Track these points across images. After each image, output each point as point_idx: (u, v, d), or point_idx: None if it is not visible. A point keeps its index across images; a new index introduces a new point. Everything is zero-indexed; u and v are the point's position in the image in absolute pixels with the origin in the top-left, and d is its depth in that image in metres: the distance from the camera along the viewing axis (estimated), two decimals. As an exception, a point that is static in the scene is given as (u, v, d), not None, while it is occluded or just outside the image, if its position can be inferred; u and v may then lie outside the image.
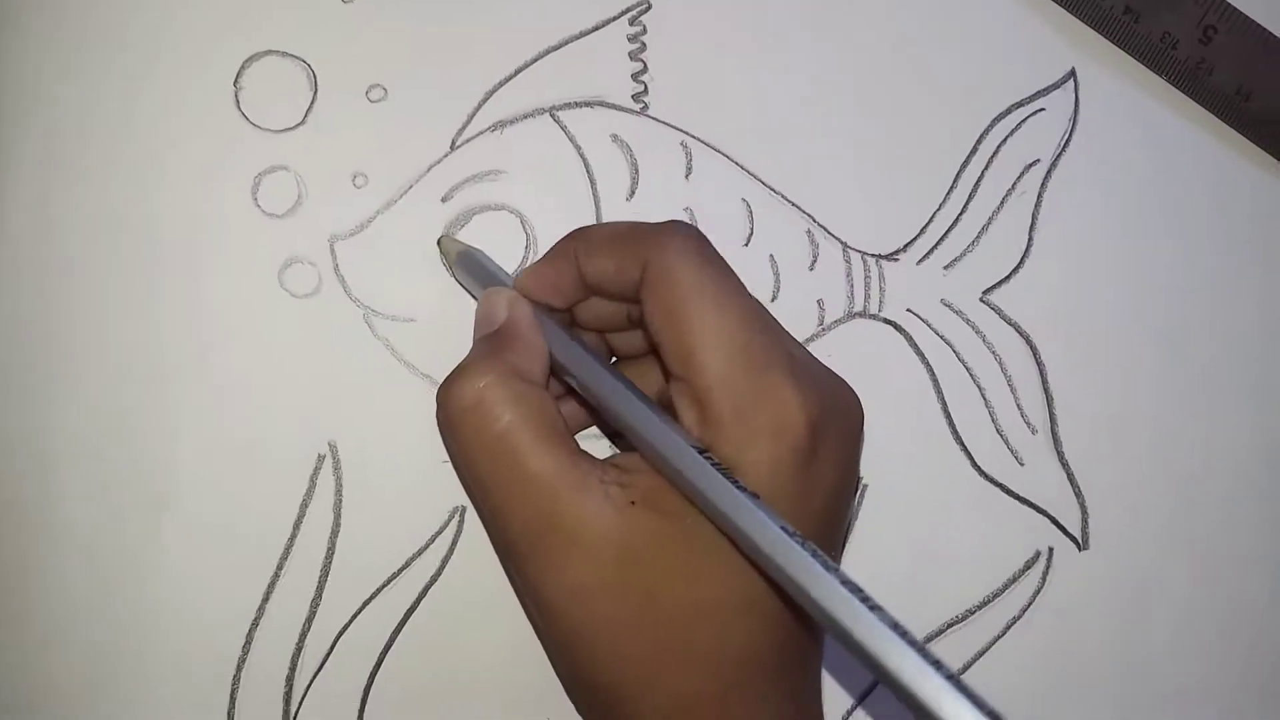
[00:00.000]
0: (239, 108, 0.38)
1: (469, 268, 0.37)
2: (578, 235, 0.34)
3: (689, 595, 0.30)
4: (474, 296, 0.37)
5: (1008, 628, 0.40)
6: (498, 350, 0.32)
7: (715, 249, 0.32)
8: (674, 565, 0.30)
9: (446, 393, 0.32)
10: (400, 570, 0.38)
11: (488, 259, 0.37)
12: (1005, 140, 0.41)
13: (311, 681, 0.37)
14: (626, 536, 0.30)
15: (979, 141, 0.41)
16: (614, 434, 0.38)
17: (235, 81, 0.38)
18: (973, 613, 0.40)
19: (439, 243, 0.38)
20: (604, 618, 0.30)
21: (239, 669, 0.37)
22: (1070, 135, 0.42)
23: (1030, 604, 0.40)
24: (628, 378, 0.32)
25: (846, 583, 0.26)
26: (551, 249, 0.35)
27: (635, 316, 0.34)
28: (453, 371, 0.32)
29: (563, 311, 0.35)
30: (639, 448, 0.31)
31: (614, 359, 0.37)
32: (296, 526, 0.37)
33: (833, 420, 0.31)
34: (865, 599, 0.26)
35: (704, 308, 0.30)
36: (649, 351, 0.36)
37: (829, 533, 0.32)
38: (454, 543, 0.38)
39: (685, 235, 0.32)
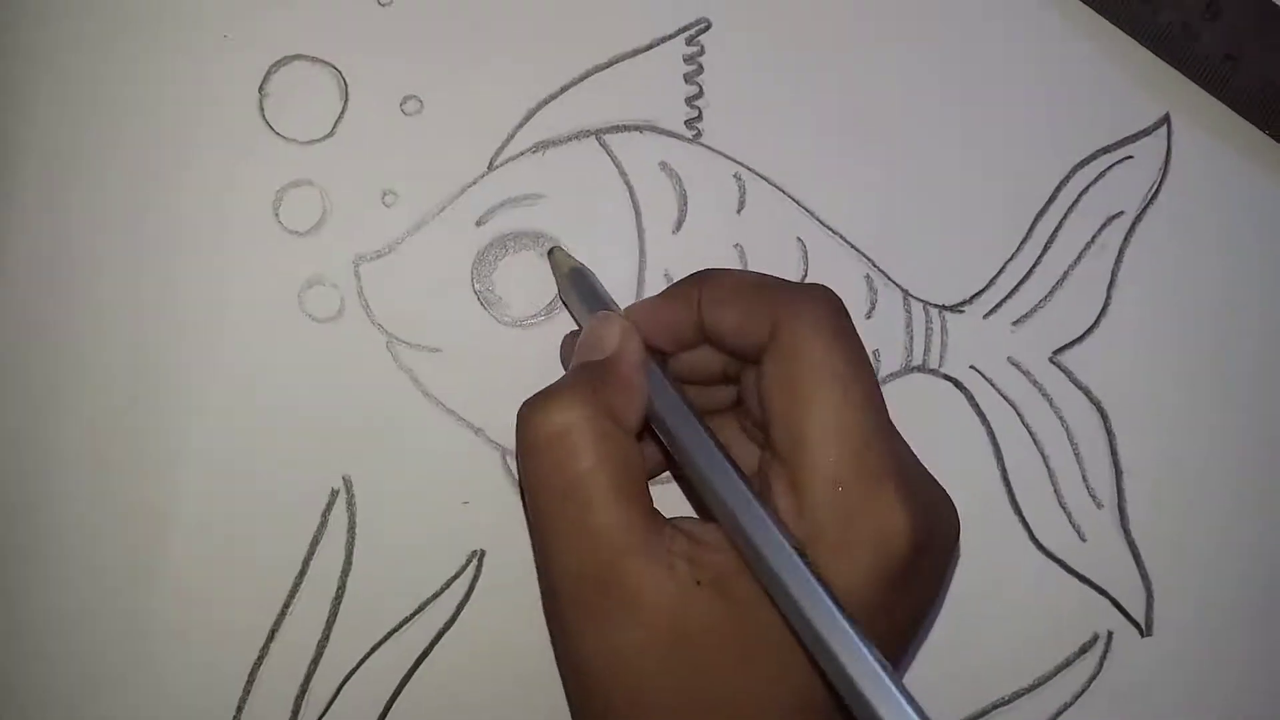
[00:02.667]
0: (263, 116, 0.38)
1: (579, 287, 0.36)
2: (705, 278, 0.33)
3: (743, 685, 0.29)
4: (575, 318, 0.36)
5: (1058, 714, 0.39)
6: (598, 383, 0.31)
7: (852, 324, 0.31)
8: (731, 652, 0.29)
9: (530, 415, 0.30)
10: (413, 614, 0.37)
11: (600, 284, 0.36)
12: (1087, 189, 0.40)
13: (315, 726, 0.36)
14: (686, 614, 0.29)
15: (1058, 189, 0.40)
16: (681, 477, 0.37)
17: (260, 88, 0.38)
18: (1021, 694, 0.39)
19: (550, 253, 0.37)
20: (648, 690, 0.29)
21: (239, 710, 0.36)
22: (1159, 187, 0.40)
23: (1084, 690, 0.39)
24: (725, 446, 0.31)
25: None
26: (672, 287, 0.33)
27: (732, 373, 0.33)
28: (542, 392, 0.31)
29: (664, 355, 0.34)
30: (724, 525, 0.30)
31: None
32: (306, 564, 0.37)
33: (934, 539, 0.30)
34: None
35: (829, 395, 0.29)
36: (723, 411, 0.35)
37: (906, 647, 0.32)
38: (471, 588, 0.37)
39: (822, 303, 0.31)
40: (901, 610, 0.30)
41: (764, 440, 0.31)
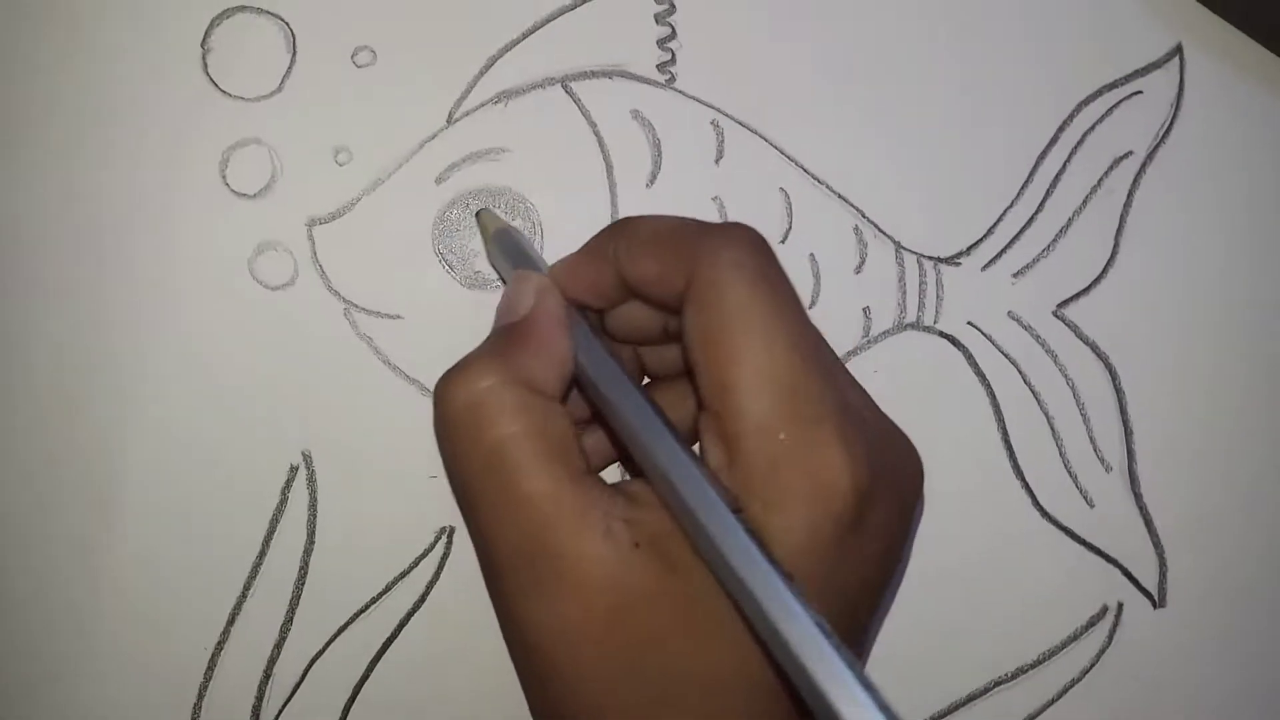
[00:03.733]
0: (206, 72, 0.37)
1: (505, 247, 0.35)
2: (620, 228, 0.32)
3: (683, 658, 0.28)
4: (505, 281, 0.36)
5: (1064, 691, 0.38)
6: (511, 348, 0.30)
7: (777, 262, 0.30)
8: (672, 623, 0.28)
9: (443, 389, 0.30)
10: (380, 594, 0.36)
11: (529, 243, 0.35)
12: (1093, 128, 0.39)
13: (280, 713, 0.36)
14: (623, 582, 0.28)
15: (1061, 129, 0.39)
16: (637, 471, 0.36)
17: (203, 42, 0.37)
18: (1025, 671, 0.38)
19: (478, 215, 0.37)
20: (587, 664, 0.29)
21: (200, 697, 0.36)
22: (1171, 125, 0.39)
23: (1092, 666, 0.38)
24: (658, 403, 0.30)
25: (875, 697, 0.24)
26: (590, 240, 0.32)
27: (673, 330, 0.32)
28: (455, 365, 0.30)
29: (596, 312, 0.33)
30: (656, 487, 0.29)
31: (645, 380, 0.35)
32: (266, 544, 0.36)
33: (885, 486, 0.29)
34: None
35: (751, 337, 0.28)
36: (686, 373, 0.33)
37: (860, 615, 0.30)
38: (440, 566, 0.36)
39: (742, 243, 0.29)
40: (850, 565, 0.28)
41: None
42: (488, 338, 0.32)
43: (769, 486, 0.28)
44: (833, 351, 0.31)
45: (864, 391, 0.32)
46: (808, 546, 0.27)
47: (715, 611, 0.28)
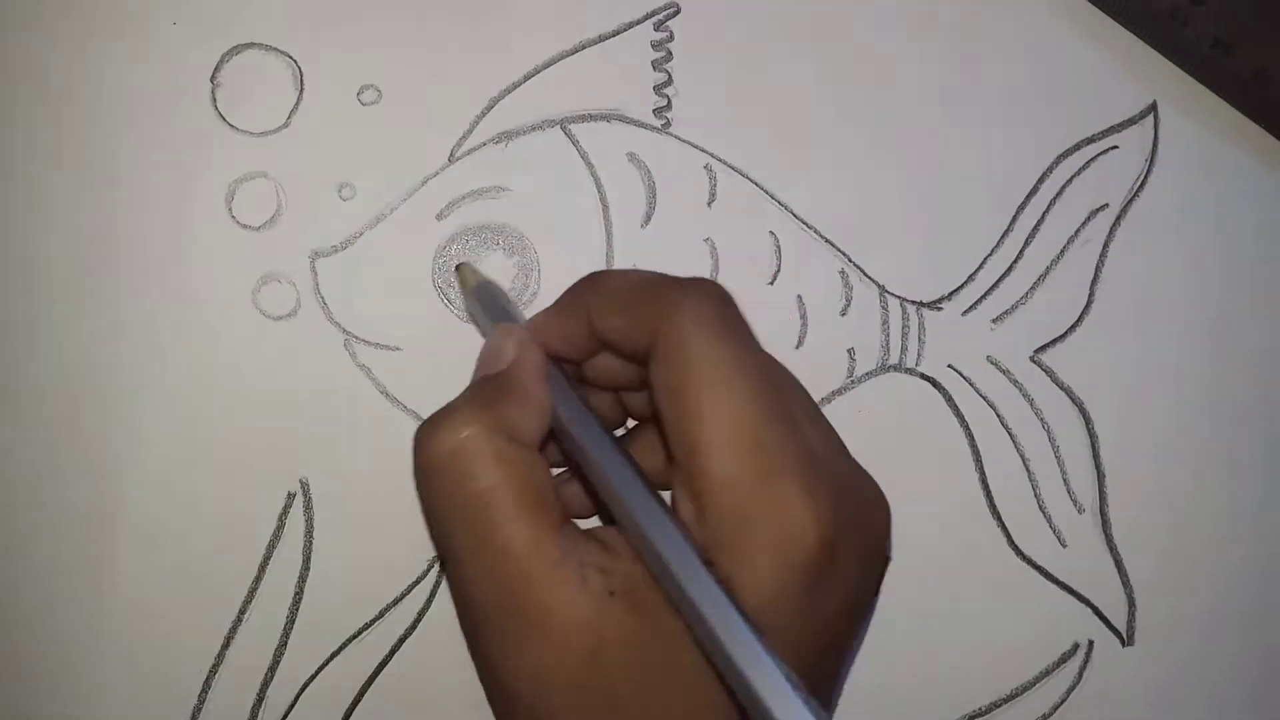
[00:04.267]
0: (215, 107, 0.37)
1: (484, 302, 0.35)
2: (590, 283, 0.32)
3: (657, 703, 0.28)
4: (484, 335, 0.36)
5: None
6: (492, 398, 0.30)
7: (739, 315, 0.30)
8: (645, 669, 0.28)
9: (423, 437, 0.30)
10: (373, 621, 0.36)
11: (508, 298, 0.35)
12: (1071, 180, 0.39)
13: (272, 735, 0.36)
14: (599, 629, 0.28)
15: (1041, 180, 0.39)
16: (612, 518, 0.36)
17: (212, 77, 0.37)
18: (998, 706, 0.38)
19: (457, 269, 0.37)
20: (564, 708, 0.29)
21: (194, 718, 0.36)
22: (1145, 178, 0.39)
23: (1062, 702, 0.38)
24: (639, 447, 0.31)
25: None
26: (564, 294, 0.33)
27: (645, 377, 0.32)
28: (436, 413, 0.30)
29: (573, 364, 0.33)
30: (630, 537, 0.29)
31: (630, 421, 0.36)
32: (262, 569, 0.36)
33: (851, 535, 0.28)
34: None
35: (714, 392, 0.28)
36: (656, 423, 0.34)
37: (828, 663, 0.30)
38: (432, 594, 0.37)
39: (704, 300, 0.30)
40: (818, 615, 0.28)
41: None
42: (468, 388, 0.32)
43: (737, 540, 0.28)
44: (802, 396, 0.31)
45: (833, 436, 0.32)
46: (775, 598, 0.27)
47: (687, 658, 0.28)
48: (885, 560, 0.31)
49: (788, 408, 0.29)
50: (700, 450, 0.28)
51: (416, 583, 0.36)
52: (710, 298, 0.30)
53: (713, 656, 0.27)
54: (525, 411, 0.30)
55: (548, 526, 0.29)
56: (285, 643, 0.36)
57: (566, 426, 0.31)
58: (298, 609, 0.36)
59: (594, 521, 0.35)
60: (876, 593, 0.32)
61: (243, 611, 0.36)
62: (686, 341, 0.29)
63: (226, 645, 0.36)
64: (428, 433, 0.30)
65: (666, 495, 0.29)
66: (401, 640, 0.36)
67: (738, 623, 0.26)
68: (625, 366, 0.32)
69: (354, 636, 0.36)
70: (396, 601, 0.36)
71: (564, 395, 0.31)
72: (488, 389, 0.31)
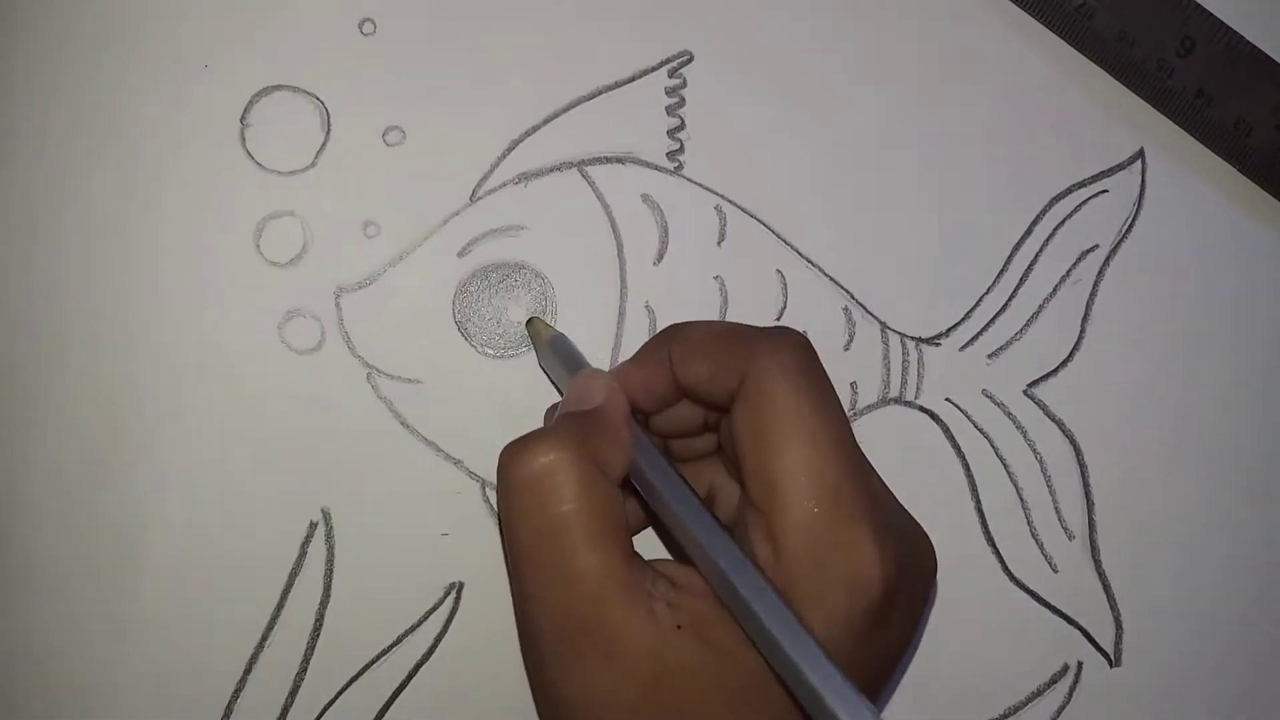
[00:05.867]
0: (244, 146, 0.37)
1: (561, 353, 0.35)
2: (672, 334, 0.32)
3: None
4: (555, 384, 0.37)
5: None
6: (583, 431, 0.31)
7: (820, 366, 0.31)
8: (712, 697, 0.29)
9: (514, 455, 0.30)
10: (390, 647, 0.37)
11: (577, 348, 0.36)
12: (1063, 223, 0.40)
13: (292, 758, 0.36)
14: (665, 658, 0.28)
15: (1034, 223, 0.40)
16: (678, 552, 0.37)
17: (242, 118, 0.37)
18: None
19: (529, 323, 0.37)
20: None
21: None
22: (1133, 221, 0.40)
23: None
24: (705, 500, 0.31)
25: None
26: (644, 347, 0.33)
27: (711, 422, 0.33)
28: (525, 435, 0.30)
29: (646, 415, 0.34)
30: (709, 578, 0.30)
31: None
32: (284, 596, 0.36)
33: (909, 579, 0.30)
34: None
35: (797, 438, 0.29)
36: (708, 456, 0.35)
37: (882, 689, 0.31)
38: (449, 621, 0.37)
39: (789, 347, 0.30)
40: (877, 652, 0.30)
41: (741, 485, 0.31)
42: (556, 420, 0.32)
43: (811, 580, 0.28)
44: (859, 447, 0.31)
45: (886, 485, 0.32)
46: (842, 636, 0.28)
47: (755, 691, 0.29)
48: (931, 598, 0.32)
49: (860, 456, 0.30)
50: (781, 493, 0.29)
51: (433, 609, 0.37)
52: (797, 346, 0.30)
53: (792, 686, 0.28)
54: (614, 449, 0.31)
55: (621, 556, 0.29)
56: (305, 668, 0.36)
57: (644, 469, 0.31)
58: (318, 635, 0.36)
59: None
60: (921, 628, 0.33)
61: (264, 638, 0.36)
62: (771, 386, 0.29)
63: (249, 670, 0.36)
64: (516, 451, 0.30)
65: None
66: (419, 665, 0.36)
67: (819, 655, 0.27)
68: (692, 414, 0.33)
69: (372, 662, 0.36)
70: (413, 628, 0.37)
71: (641, 443, 0.32)
72: (577, 422, 0.31)
